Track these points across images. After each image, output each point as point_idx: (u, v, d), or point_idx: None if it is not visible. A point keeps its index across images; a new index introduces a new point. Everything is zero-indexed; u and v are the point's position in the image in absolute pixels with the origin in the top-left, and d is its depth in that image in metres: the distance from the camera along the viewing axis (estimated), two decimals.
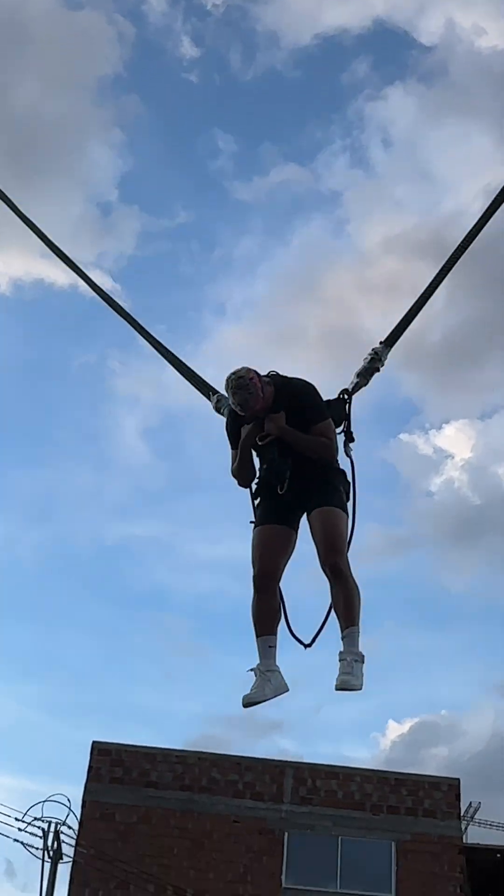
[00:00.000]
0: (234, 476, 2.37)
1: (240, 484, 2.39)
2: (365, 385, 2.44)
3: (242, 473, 2.32)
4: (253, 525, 2.31)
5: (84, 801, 12.52)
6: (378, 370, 2.44)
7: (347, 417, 2.39)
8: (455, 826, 13.18)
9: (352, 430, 2.40)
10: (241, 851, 12.56)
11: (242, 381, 2.10)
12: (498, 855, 13.44)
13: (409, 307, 2.63)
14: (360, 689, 2.04)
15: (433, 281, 2.71)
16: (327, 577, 2.15)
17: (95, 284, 3.36)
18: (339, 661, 2.04)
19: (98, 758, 12.92)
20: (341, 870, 12.44)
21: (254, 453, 2.31)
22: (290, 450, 2.22)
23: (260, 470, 2.31)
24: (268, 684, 2.09)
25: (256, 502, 2.36)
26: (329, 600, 2.16)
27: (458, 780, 13.41)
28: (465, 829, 13.60)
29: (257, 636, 2.20)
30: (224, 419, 2.43)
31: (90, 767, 12.88)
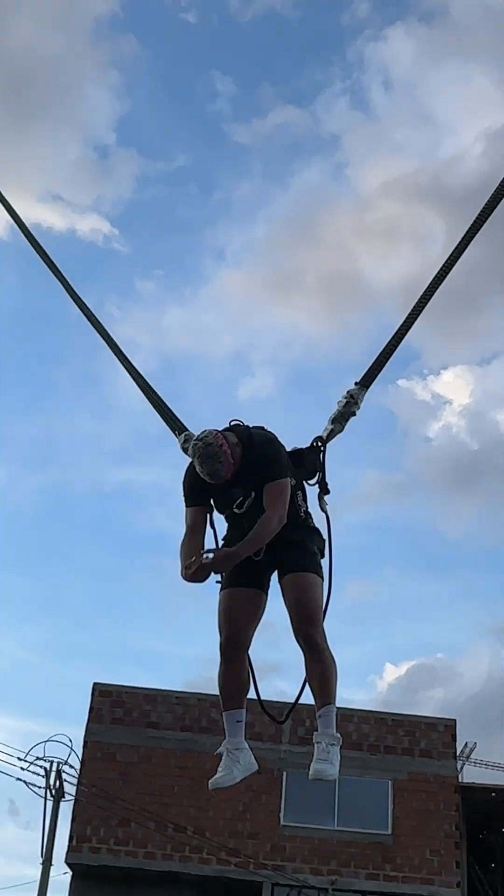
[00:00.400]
0: (186, 547, 2.08)
1: (187, 560, 2.03)
2: (340, 431, 2.30)
3: (188, 554, 2.03)
4: (220, 587, 2.13)
5: (85, 742, 12.99)
6: (354, 414, 2.30)
7: (322, 468, 2.25)
8: (451, 766, 13.72)
9: (326, 481, 2.25)
10: (241, 790, 12.78)
11: (212, 448, 1.93)
12: (493, 794, 14.00)
13: (384, 346, 2.48)
14: (336, 776, 1.99)
15: (409, 315, 2.51)
16: (301, 648, 2.06)
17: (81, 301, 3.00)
18: (315, 744, 1.98)
19: (99, 699, 13.28)
20: (338, 808, 12.97)
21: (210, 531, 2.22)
22: (259, 499, 2.06)
23: (226, 515, 2.17)
24: (236, 765, 2.02)
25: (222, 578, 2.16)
26: (302, 685, 2.09)
27: (455, 720, 13.97)
28: (461, 768, 14.20)
29: (224, 710, 2.10)
30: (185, 469, 2.19)
31: (91, 708, 13.26)
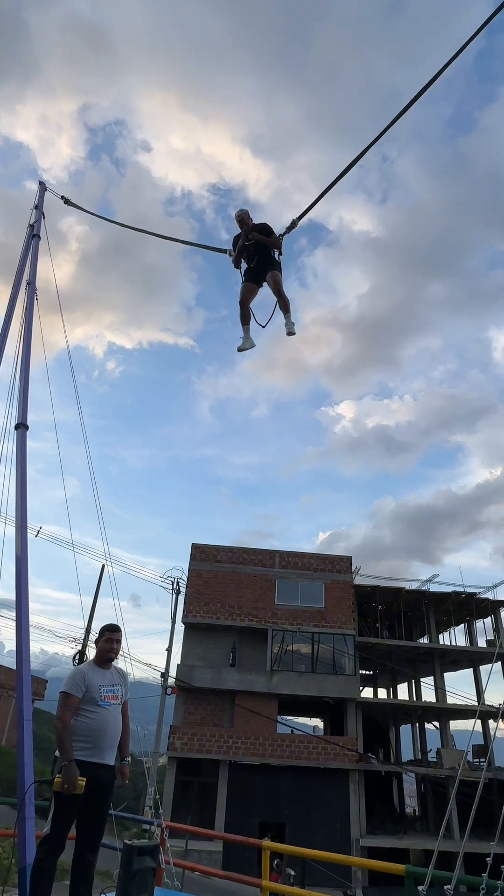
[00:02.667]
0: (233, 262, 5.47)
1: (235, 266, 5.45)
2: (287, 234, 5.34)
3: (237, 261, 5.41)
4: (242, 282, 5.40)
5: (190, 569, 26.35)
6: (294, 228, 5.23)
7: (280, 245, 5.37)
8: (349, 577, 27.63)
9: (282, 250, 5.41)
10: (257, 588, 26.83)
11: (243, 218, 5.34)
12: (368, 588, 28.25)
13: (307, 206, 5.15)
14: (295, 334, 5.19)
15: (319, 195, 5.07)
16: (276, 295, 5.25)
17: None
18: (286, 324, 5.21)
19: (195, 550, 26.65)
20: (301, 593, 26.87)
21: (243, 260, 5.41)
22: (260, 247, 5.26)
23: (244, 257, 5.36)
24: (248, 341, 5.35)
25: (243, 273, 5.37)
26: (274, 306, 5.27)
27: (350, 556, 27.76)
28: (354, 578, 28.18)
29: (242, 325, 5.35)
30: (233, 252, 5.54)
31: (192, 554, 26.64)
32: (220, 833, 19.93)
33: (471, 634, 30.51)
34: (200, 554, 26.88)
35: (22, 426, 6.83)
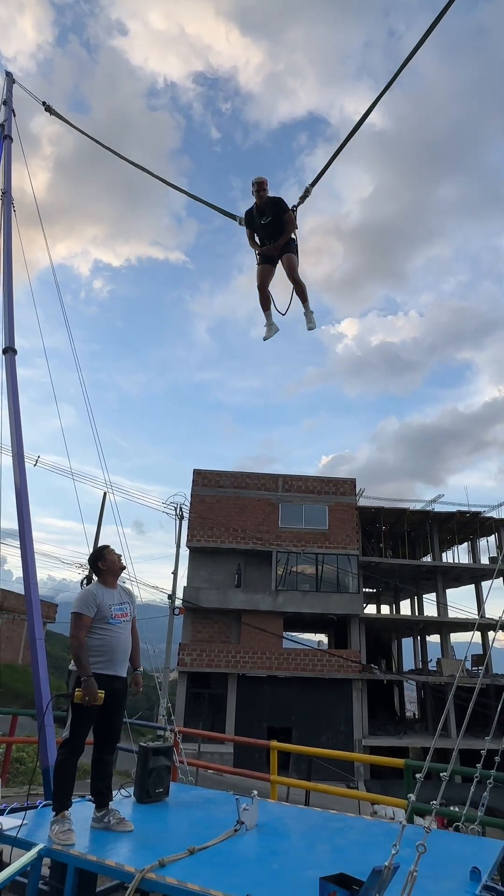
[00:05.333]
0: (249, 243, 5.30)
1: (252, 246, 5.28)
2: (301, 204, 5.00)
3: (252, 240, 5.29)
4: (257, 264, 5.26)
5: (192, 494, 26.98)
6: (308, 195, 4.96)
7: (294, 217, 5.10)
8: (353, 498, 28.35)
9: (296, 223, 5.11)
10: (260, 512, 27.56)
11: (261, 185, 5.03)
12: (372, 510, 29.05)
13: (323, 166, 4.88)
14: (316, 328, 5.09)
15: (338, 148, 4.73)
16: (291, 281, 5.06)
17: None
18: (305, 316, 5.11)
19: (197, 476, 27.15)
20: (304, 515, 27.71)
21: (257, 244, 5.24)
22: (276, 226, 5.07)
23: (259, 237, 5.22)
24: (272, 328, 5.17)
25: (257, 254, 5.26)
26: (291, 293, 5.05)
27: (355, 479, 28.30)
28: (358, 500, 28.91)
29: (264, 311, 5.17)
30: (245, 227, 5.30)
31: (194, 480, 27.17)
32: (230, 736, 21.79)
33: (474, 552, 31.67)
34: (203, 480, 27.39)
35: (10, 350, 6.72)
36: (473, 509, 29.26)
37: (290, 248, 5.14)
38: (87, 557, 4.34)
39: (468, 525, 30.23)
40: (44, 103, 8.05)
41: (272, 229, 5.10)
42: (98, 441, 6.69)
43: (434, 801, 2.66)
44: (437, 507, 29.92)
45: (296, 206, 5.07)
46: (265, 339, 5.26)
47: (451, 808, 6.60)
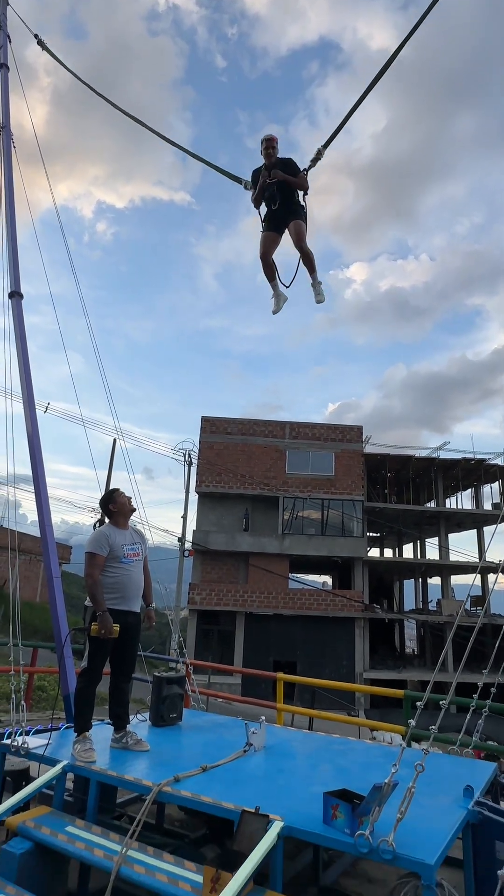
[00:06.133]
0: (253, 201, 4.65)
1: (255, 206, 4.67)
2: (313, 167, 4.54)
3: (257, 200, 4.65)
4: (262, 231, 4.71)
5: (201, 441, 27.09)
6: (321, 157, 4.51)
7: (306, 182, 4.58)
8: (359, 445, 28.45)
9: (308, 185, 4.61)
10: (267, 459, 27.74)
11: (271, 142, 4.53)
12: (378, 457, 29.13)
13: (337, 125, 4.38)
14: (324, 300, 4.54)
15: (360, 98, 4.26)
16: (299, 251, 4.53)
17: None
18: (313, 288, 4.59)
19: (205, 423, 27.19)
20: (311, 462, 27.87)
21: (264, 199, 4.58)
22: (283, 187, 4.49)
23: (265, 198, 4.61)
24: (280, 298, 4.70)
25: (263, 219, 4.65)
26: (298, 262, 4.51)
27: (361, 426, 28.27)
28: (364, 447, 28.97)
29: (269, 282, 4.69)
30: (251, 186, 4.71)
31: (202, 427, 27.23)
32: (238, 668, 22.84)
33: (477, 498, 31.92)
34: (211, 427, 27.43)
35: (16, 294, 6.60)
36: (478, 456, 29.26)
37: (299, 213, 4.65)
38: (99, 500, 4.40)
39: (473, 472, 30.32)
40: (36, 36, 7.54)
41: (280, 193, 4.63)
42: (107, 388, 6.65)
43: (433, 727, 2.78)
44: (443, 455, 29.97)
45: (307, 169, 4.61)
46: (274, 312, 4.83)
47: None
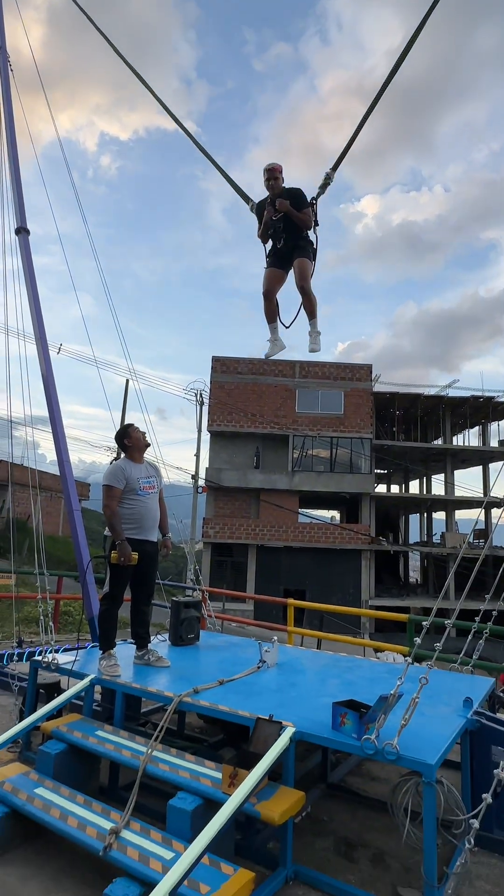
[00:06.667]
0: (259, 237, 4.30)
1: (262, 241, 4.30)
2: (322, 194, 4.13)
3: (263, 235, 4.28)
4: (265, 267, 4.29)
5: (212, 381, 26.93)
6: (329, 184, 4.09)
7: (315, 212, 4.19)
8: (369, 384, 28.05)
9: (317, 220, 4.18)
10: (277, 398, 27.56)
11: (273, 173, 4.11)
12: (387, 395, 28.81)
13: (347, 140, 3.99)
14: (319, 351, 4.24)
15: (365, 116, 3.93)
16: (300, 291, 4.18)
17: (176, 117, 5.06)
18: (309, 335, 4.22)
19: (216, 363, 26.91)
20: (321, 401, 27.68)
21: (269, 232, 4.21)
22: (289, 222, 4.08)
23: (270, 234, 4.24)
24: (276, 344, 4.43)
25: (268, 254, 4.29)
26: (300, 304, 4.21)
27: (371, 364, 27.77)
28: (373, 385, 28.60)
29: (268, 323, 4.35)
30: (255, 217, 4.33)
31: (213, 367, 26.98)
32: (251, 594, 23.77)
33: (484, 436, 31.76)
34: (221, 366, 27.13)
35: (23, 230, 6.38)
36: (487, 394, 28.86)
37: (306, 251, 4.21)
38: (115, 435, 4.43)
39: (481, 409, 30.01)
40: None
41: (286, 228, 4.18)
42: (119, 328, 6.54)
43: (437, 644, 2.89)
44: (451, 393, 29.58)
45: (315, 198, 4.17)
46: (267, 356, 4.51)
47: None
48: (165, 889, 1.96)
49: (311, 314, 4.24)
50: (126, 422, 5.30)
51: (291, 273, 4.30)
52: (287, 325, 4.35)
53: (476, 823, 2.42)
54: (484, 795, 2.47)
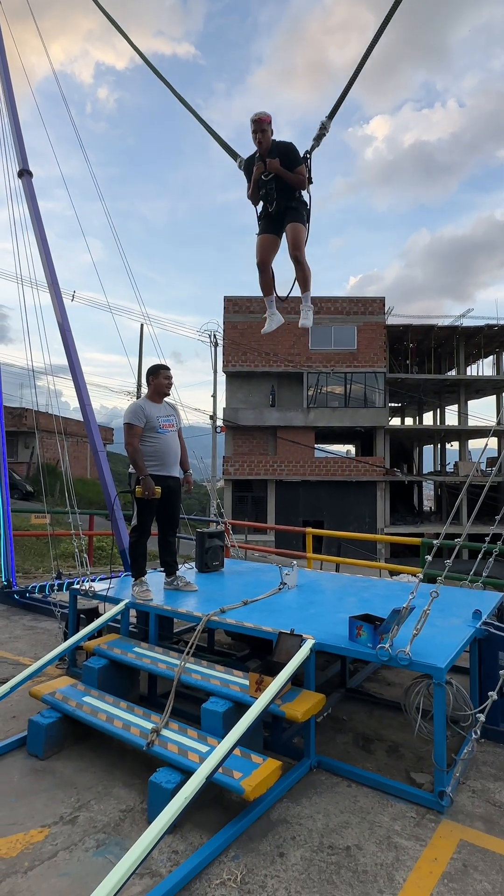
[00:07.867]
0: (249, 198, 3.79)
1: (253, 203, 3.81)
2: (317, 146, 3.65)
3: (254, 196, 3.77)
4: (257, 234, 3.87)
5: (225, 321, 26.41)
6: (325, 135, 3.64)
7: (308, 168, 3.68)
8: (382, 317, 27.27)
9: (311, 175, 3.71)
10: (291, 336, 26.94)
11: (261, 124, 3.56)
12: (400, 328, 28.02)
13: (341, 91, 3.50)
14: (310, 326, 3.85)
15: (360, 61, 3.45)
16: (292, 260, 3.69)
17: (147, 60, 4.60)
18: (301, 310, 3.83)
19: (228, 303, 26.29)
20: (334, 337, 27.10)
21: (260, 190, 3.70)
22: (281, 181, 3.60)
23: (260, 195, 3.74)
24: (273, 319, 4.05)
25: (259, 216, 3.85)
26: (293, 275, 3.77)
27: (384, 297, 26.85)
28: (387, 318, 27.80)
29: (264, 297, 3.93)
30: (243, 174, 3.84)
31: (225, 307, 26.37)
32: (272, 525, 24.43)
33: (499, 365, 30.95)
34: (234, 306, 26.50)
35: (25, 173, 6.13)
36: (502, 322, 27.85)
37: (299, 213, 3.71)
38: (147, 369, 4.40)
39: (495, 338, 29.09)
40: None
41: (277, 187, 3.69)
42: (130, 273, 6.37)
43: (448, 561, 2.97)
44: (465, 322, 28.60)
45: (309, 152, 3.67)
46: (264, 332, 4.16)
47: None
48: (203, 774, 2.16)
49: (305, 286, 3.82)
50: (143, 368, 5.26)
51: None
52: (283, 298, 3.96)
53: (482, 717, 2.57)
54: (490, 693, 2.61)
